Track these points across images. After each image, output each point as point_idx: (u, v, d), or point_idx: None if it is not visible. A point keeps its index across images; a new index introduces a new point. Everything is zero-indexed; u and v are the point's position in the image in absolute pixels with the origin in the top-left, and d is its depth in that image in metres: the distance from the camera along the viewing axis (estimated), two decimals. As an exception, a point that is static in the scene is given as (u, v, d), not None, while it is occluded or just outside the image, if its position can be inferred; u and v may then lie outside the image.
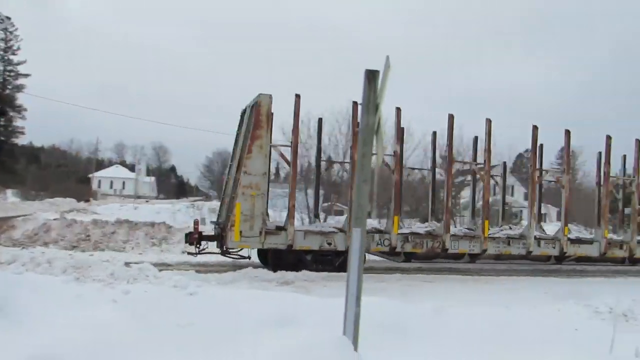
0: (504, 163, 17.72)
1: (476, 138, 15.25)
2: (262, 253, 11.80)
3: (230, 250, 11.21)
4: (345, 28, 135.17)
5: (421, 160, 20.74)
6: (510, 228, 14.96)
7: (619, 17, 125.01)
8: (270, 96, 10.86)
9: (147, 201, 45.10)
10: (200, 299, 5.77)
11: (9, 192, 41.11)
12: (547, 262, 13.97)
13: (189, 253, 12.09)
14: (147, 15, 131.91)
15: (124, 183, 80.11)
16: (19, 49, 48.91)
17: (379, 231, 12.14)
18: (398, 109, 12.29)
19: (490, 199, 14.93)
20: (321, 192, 24.52)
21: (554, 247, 13.25)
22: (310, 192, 23.27)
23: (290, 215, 11.02)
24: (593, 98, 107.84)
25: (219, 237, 11.23)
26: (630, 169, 15.06)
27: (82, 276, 7.72)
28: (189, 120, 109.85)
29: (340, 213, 25.31)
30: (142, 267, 8.22)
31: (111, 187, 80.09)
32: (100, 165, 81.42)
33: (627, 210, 15.83)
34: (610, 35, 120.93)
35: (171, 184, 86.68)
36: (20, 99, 48.57)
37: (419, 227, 13.50)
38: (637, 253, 14.08)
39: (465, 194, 22.75)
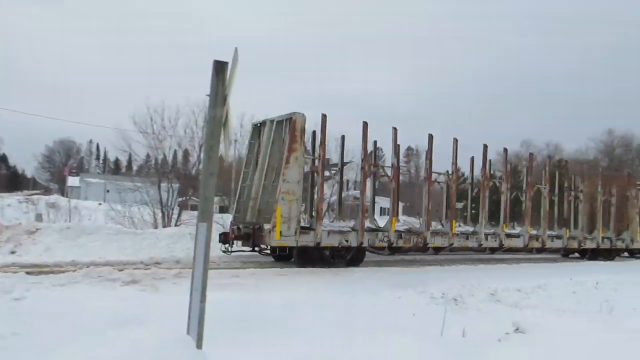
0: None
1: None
2: (271, 249, 13.19)
3: (267, 247, 12.72)
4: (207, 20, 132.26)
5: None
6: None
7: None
8: (303, 115, 12.31)
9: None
10: (29, 303, 5.22)
11: None
12: (486, 252, 17.21)
13: (223, 251, 12.92)
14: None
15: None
16: None
17: (381, 230, 14.26)
18: (394, 129, 14.40)
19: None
20: (177, 185, 23.72)
21: (495, 240, 16.60)
22: (164, 185, 22.35)
23: (319, 217, 12.67)
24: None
25: (249, 237, 12.41)
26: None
27: None
28: (24, 105, 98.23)
29: (196, 208, 24.59)
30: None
31: None
32: None
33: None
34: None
35: (2, 176, 77.06)
36: None
37: (398, 224, 15.42)
38: (547, 244, 18.13)
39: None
